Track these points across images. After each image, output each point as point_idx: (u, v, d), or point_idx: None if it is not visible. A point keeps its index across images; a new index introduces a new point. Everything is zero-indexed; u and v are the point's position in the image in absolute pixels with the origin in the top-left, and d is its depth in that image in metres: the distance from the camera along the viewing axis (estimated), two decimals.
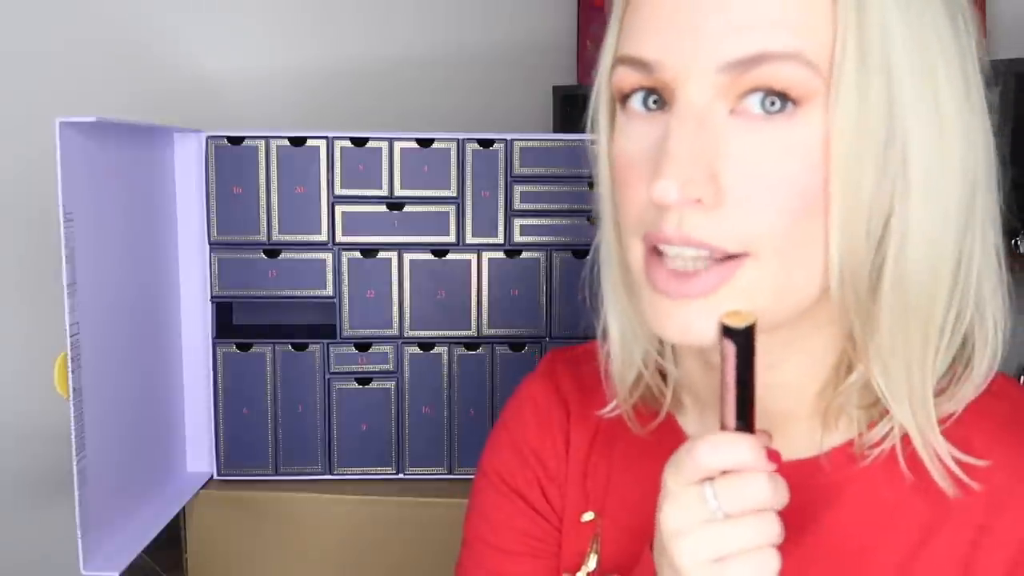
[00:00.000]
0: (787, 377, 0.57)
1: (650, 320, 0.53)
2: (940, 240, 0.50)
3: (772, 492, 0.48)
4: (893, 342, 0.51)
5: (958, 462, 0.53)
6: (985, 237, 0.52)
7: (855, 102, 0.47)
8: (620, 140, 0.54)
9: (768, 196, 0.48)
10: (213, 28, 1.60)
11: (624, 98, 0.53)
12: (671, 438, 0.61)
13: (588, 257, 0.62)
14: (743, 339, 0.49)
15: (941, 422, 0.53)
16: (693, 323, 0.50)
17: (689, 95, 0.49)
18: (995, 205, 0.54)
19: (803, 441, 0.58)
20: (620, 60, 0.52)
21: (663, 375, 0.62)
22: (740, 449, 0.49)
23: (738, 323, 0.49)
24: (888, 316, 0.51)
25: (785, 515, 0.51)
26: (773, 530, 0.49)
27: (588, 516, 0.65)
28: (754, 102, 0.48)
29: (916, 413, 0.52)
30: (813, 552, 0.56)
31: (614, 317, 0.61)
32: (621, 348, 0.61)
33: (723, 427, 0.50)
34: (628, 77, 0.52)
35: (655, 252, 0.51)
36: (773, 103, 0.48)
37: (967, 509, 0.53)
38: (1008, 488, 0.52)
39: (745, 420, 0.50)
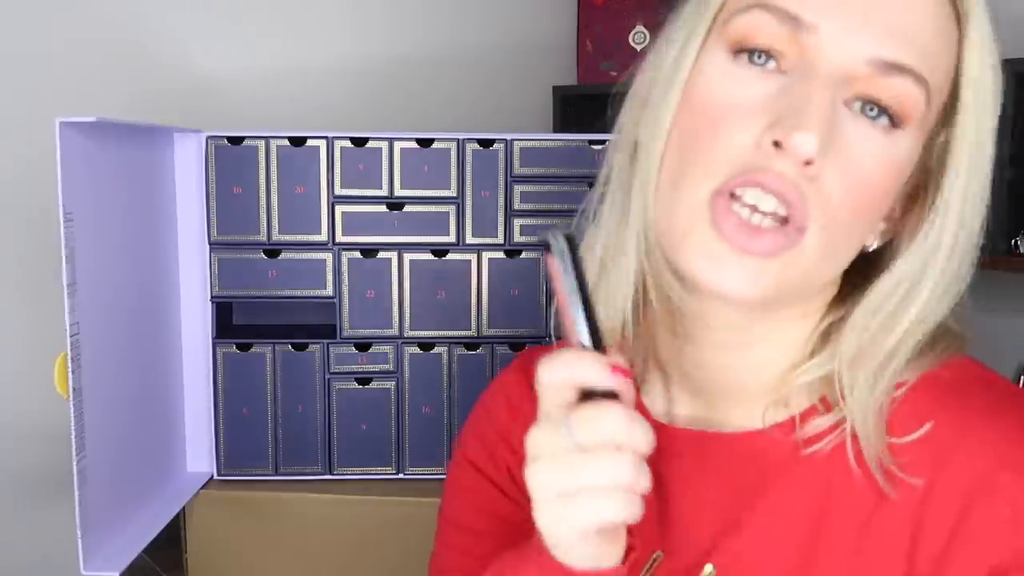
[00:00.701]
0: (759, 358, 0.58)
1: (701, 263, 0.51)
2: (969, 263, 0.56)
3: (627, 428, 0.46)
4: (883, 350, 0.55)
5: (899, 421, 0.54)
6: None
7: (975, 146, 0.53)
8: (719, 81, 0.52)
9: (851, 187, 0.51)
10: (213, 28, 1.60)
11: (743, 48, 0.52)
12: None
13: (578, 214, 0.62)
14: (565, 250, 0.48)
15: (897, 387, 0.55)
16: (744, 280, 0.51)
17: (834, 64, 0.50)
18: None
19: (758, 414, 0.59)
20: (760, 5, 0.52)
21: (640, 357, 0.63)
22: (581, 363, 0.47)
23: (558, 237, 0.48)
24: (905, 329, 0.55)
25: (733, 484, 0.53)
26: (625, 472, 0.46)
27: None
28: (858, 104, 0.51)
29: (870, 419, 0.54)
30: (765, 520, 0.57)
31: (631, 247, 0.58)
32: (618, 286, 0.60)
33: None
34: (766, 29, 0.51)
35: (726, 198, 0.51)
36: (872, 110, 0.51)
37: (911, 474, 0.54)
38: (951, 444, 0.53)
39: (593, 337, 0.48)
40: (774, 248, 0.50)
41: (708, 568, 0.58)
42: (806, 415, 0.57)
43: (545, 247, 0.48)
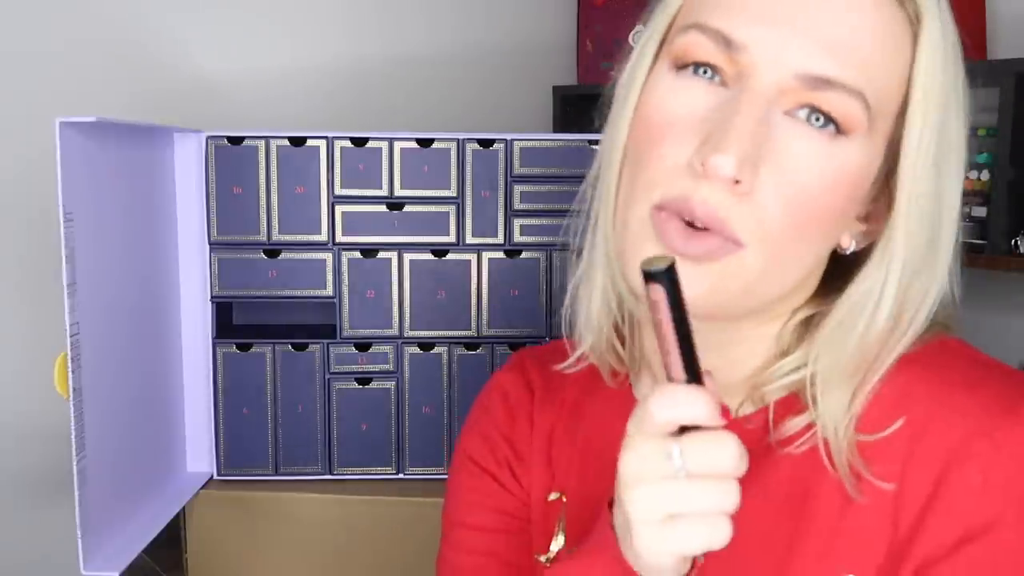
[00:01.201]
0: (733, 357, 0.59)
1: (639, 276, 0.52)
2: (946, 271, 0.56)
3: (738, 459, 0.47)
4: (866, 357, 0.55)
5: (875, 402, 0.55)
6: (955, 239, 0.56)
7: (936, 150, 0.53)
8: (663, 97, 0.54)
9: (790, 200, 0.51)
10: (213, 28, 1.60)
11: (683, 64, 0.54)
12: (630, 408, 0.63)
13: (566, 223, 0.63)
14: (668, 280, 0.47)
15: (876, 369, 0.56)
16: (683, 283, 0.50)
17: (763, 83, 0.51)
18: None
19: (732, 407, 0.59)
20: (697, 27, 0.53)
21: (623, 343, 0.65)
22: (696, 404, 0.48)
23: (660, 264, 0.47)
24: (884, 338, 0.55)
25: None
26: (732, 499, 0.47)
27: (554, 496, 0.67)
28: (803, 112, 0.52)
29: (841, 425, 0.55)
30: (745, 506, 0.57)
31: (601, 262, 0.61)
32: (602, 294, 0.62)
33: (670, 380, 0.49)
34: (701, 46, 0.53)
35: (667, 211, 0.52)
36: (819, 119, 0.51)
37: (890, 452, 0.55)
38: (927, 415, 0.54)
39: (692, 371, 0.48)
40: (710, 250, 0.51)
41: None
42: (778, 406, 0.58)
43: (646, 276, 0.47)
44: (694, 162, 0.51)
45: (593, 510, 0.63)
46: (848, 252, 0.57)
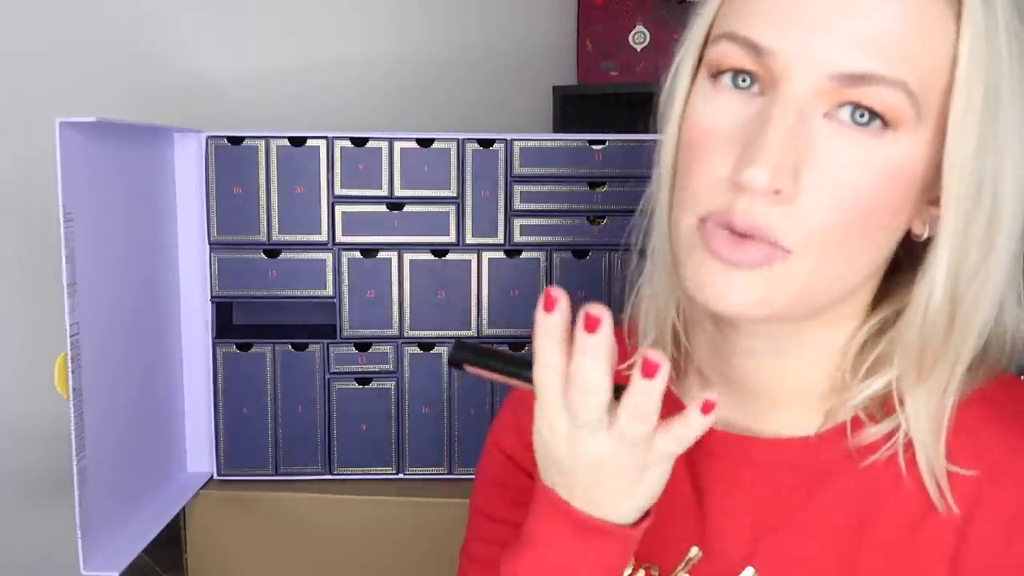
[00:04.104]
0: (794, 365, 0.58)
1: (693, 281, 0.53)
2: (1009, 260, 0.54)
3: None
4: (937, 358, 0.54)
5: (954, 450, 0.54)
6: (1017, 247, 0.55)
7: (977, 140, 0.50)
8: (702, 109, 0.54)
9: (837, 201, 0.50)
10: (213, 28, 1.60)
11: (718, 72, 0.53)
12: (675, 412, 0.63)
13: (628, 232, 0.65)
14: (462, 355, 0.53)
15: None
16: (733, 293, 0.52)
17: (794, 88, 0.50)
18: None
19: (802, 421, 0.59)
20: (727, 36, 0.53)
21: (678, 350, 0.65)
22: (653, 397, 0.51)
23: (453, 352, 0.53)
24: (946, 334, 0.53)
25: (775, 489, 0.54)
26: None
27: None
28: (846, 112, 0.50)
29: (929, 428, 0.54)
30: (808, 526, 0.57)
31: (661, 269, 0.62)
32: (664, 297, 0.63)
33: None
34: (733, 55, 0.52)
35: (713, 222, 0.52)
36: (863, 115, 0.50)
37: (961, 488, 0.54)
38: (1001, 464, 0.54)
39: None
40: (760, 259, 0.51)
41: (749, 571, 0.58)
42: (855, 424, 0.57)
43: (451, 364, 0.53)
44: (733, 176, 0.51)
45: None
46: (922, 238, 0.56)
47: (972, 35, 0.50)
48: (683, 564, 0.61)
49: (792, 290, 0.52)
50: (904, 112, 0.50)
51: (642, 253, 0.64)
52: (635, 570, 0.63)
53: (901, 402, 0.55)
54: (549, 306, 0.50)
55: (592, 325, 0.49)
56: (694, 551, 0.61)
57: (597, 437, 0.52)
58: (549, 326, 0.50)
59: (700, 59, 0.56)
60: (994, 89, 0.51)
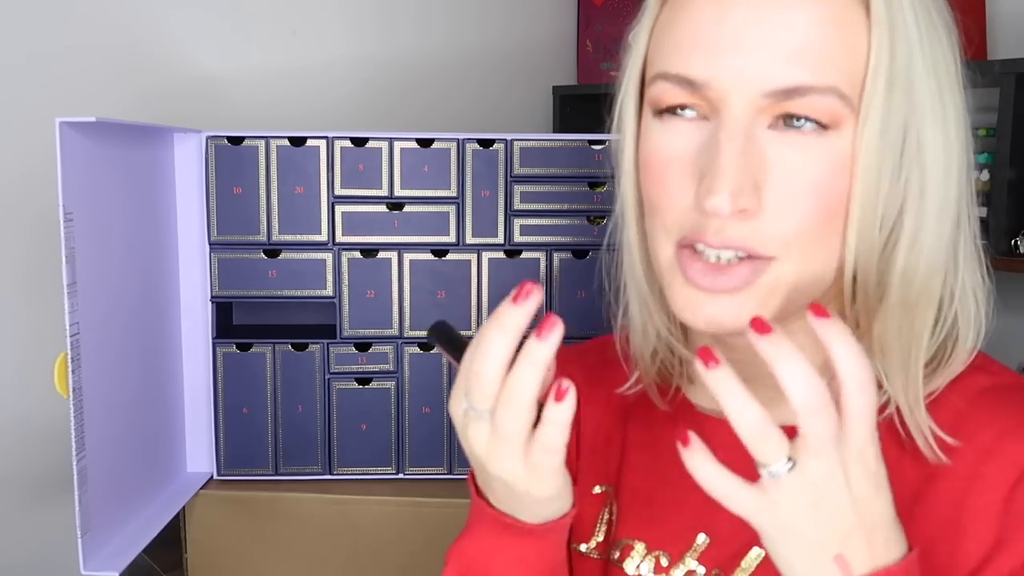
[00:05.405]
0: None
1: (680, 309, 0.56)
2: (945, 232, 0.56)
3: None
4: (897, 326, 0.56)
5: (951, 422, 0.57)
6: (970, 221, 0.58)
7: (881, 123, 0.53)
8: (656, 140, 0.56)
9: (801, 202, 0.53)
10: (213, 28, 1.60)
11: (662, 111, 0.56)
12: (684, 412, 0.66)
13: (603, 248, 0.66)
14: (437, 337, 0.56)
15: (929, 394, 0.57)
16: (724, 315, 0.54)
17: (735, 113, 0.52)
18: (972, 189, 0.58)
19: None
20: (662, 76, 0.55)
21: (674, 354, 0.66)
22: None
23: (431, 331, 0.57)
24: (894, 304, 0.56)
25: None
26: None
27: (599, 489, 0.69)
28: (784, 122, 0.53)
29: (907, 391, 0.57)
30: None
31: (635, 301, 0.64)
32: (641, 329, 0.65)
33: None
34: (670, 93, 0.55)
35: (689, 248, 0.55)
36: (801, 122, 0.52)
37: (955, 466, 0.57)
38: (993, 444, 0.56)
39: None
40: (742, 281, 0.54)
41: (756, 551, 0.60)
42: None
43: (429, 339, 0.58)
44: (697, 205, 0.53)
45: (646, 502, 0.66)
46: None
47: (877, 27, 0.53)
48: (691, 551, 0.63)
49: (782, 294, 0.54)
50: (839, 113, 0.52)
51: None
52: (644, 558, 0.64)
53: (887, 375, 0.57)
54: (518, 300, 0.53)
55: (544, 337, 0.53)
56: (701, 537, 0.62)
57: (481, 426, 0.54)
58: (507, 320, 0.54)
59: (641, 96, 0.59)
60: (904, 68, 0.53)
